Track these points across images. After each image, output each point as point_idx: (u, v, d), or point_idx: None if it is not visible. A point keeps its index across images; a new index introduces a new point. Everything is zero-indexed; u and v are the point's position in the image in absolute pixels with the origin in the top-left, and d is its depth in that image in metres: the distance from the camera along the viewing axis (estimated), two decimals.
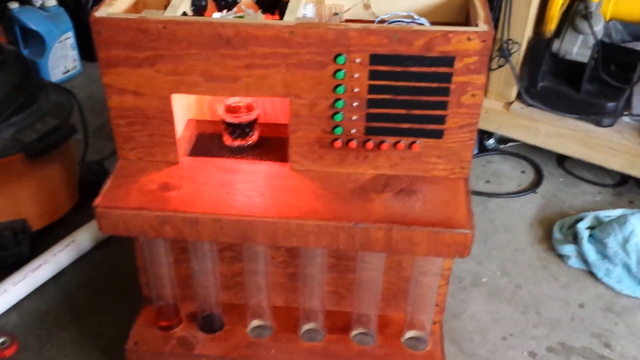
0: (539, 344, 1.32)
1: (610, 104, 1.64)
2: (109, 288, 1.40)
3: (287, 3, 1.02)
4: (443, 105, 0.95)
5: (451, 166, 1.01)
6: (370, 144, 0.99)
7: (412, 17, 0.98)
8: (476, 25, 0.91)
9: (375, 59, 0.92)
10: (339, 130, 0.98)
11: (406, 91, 0.94)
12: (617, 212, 1.61)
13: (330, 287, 1.17)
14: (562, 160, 1.82)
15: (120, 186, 1.00)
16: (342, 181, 1.01)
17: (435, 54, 0.90)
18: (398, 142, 0.99)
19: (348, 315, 1.17)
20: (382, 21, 0.99)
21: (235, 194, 0.99)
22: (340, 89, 0.94)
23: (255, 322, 1.18)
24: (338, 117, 0.97)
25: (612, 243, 1.46)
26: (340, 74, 0.93)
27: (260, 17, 1.01)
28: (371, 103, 0.96)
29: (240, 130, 1.07)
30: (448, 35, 0.89)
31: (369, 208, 0.96)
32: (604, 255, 1.47)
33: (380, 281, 1.09)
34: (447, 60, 0.91)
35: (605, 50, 1.62)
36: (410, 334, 1.17)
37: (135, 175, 1.02)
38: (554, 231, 1.58)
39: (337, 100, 0.96)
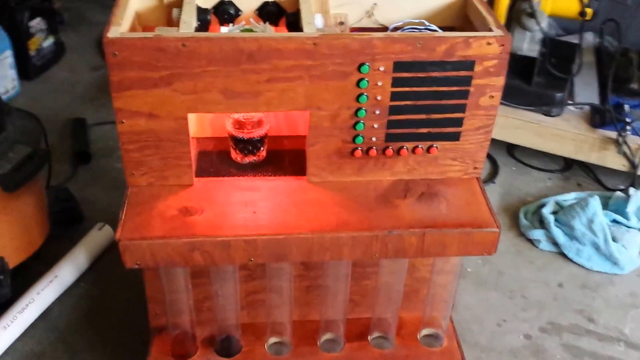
0: (531, 325, 1.39)
1: (558, 95, 1.74)
2: (100, 321, 1.33)
3: (292, 14, 1.01)
4: (462, 108, 0.97)
5: (465, 167, 1.04)
6: (390, 151, 1.00)
7: (423, 23, 0.99)
8: (489, 30, 0.94)
9: (398, 66, 0.92)
10: (359, 140, 0.98)
11: (427, 96, 0.96)
12: (572, 195, 1.72)
13: (336, 295, 1.17)
14: (511, 150, 1.91)
15: (138, 215, 0.95)
16: (363, 190, 1.02)
17: (456, 59, 0.93)
18: (416, 147, 1.00)
19: (363, 321, 1.18)
20: (396, 28, 1.00)
21: (261, 213, 0.97)
22: (363, 98, 0.94)
23: (273, 339, 1.16)
24: (360, 127, 0.97)
25: (578, 225, 1.55)
26: (364, 83, 0.93)
27: (270, 30, 0.99)
28: (392, 110, 0.96)
29: (251, 146, 1.05)
30: (469, 40, 0.91)
31: (397, 215, 0.97)
32: (572, 236, 1.56)
33: (400, 284, 1.10)
34: (468, 65, 0.93)
35: (550, 44, 1.72)
36: (425, 331, 1.19)
37: (151, 202, 0.97)
38: (520, 218, 1.66)
39: (359, 109, 0.96)
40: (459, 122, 0.99)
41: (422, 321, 1.19)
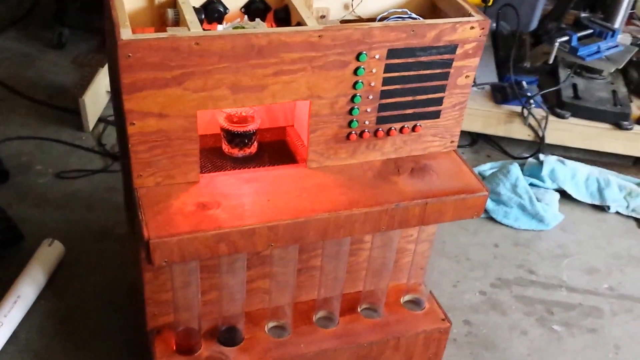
0: (482, 283, 1.54)
1: None
2: (75, 334, 1.30)
3: (281, 10, 1.06)
4: (442, 89, 1.08)
5: (444, 142, 1.14)
6: (380, 133, 1.08)
7: (407, 12, 1.08)
8: (469, 15, 1.05)
9: (391, 53, 1.00)
10: (354, 124, 1.06)
11: (413, 79, 1.05)
12: (487, 165, 1.91)
13: (329, 274, 1.24)
14: None
15: (158, 214, 0.96)
16: (359, 171, 1.09)
17: (442, 44, 1.02)
18: (403, 127, 1.09)
19: (349, 296, 1.25)
20: (383, 18, 1.08)
21: (275, 200, 1.01)
22: (359, 85, 1.02)
23: (272, 324, 1.20)
24: (355, 112, 1.04)
25: (504, 190, 1.73)
26: (361, 71, 1.00)
27: (263, 25, 1.03)
28: (383, 94, 1.05)
29: (247, 139, 1.08)
30: (455, 26, 1.01)
31: (398, 190, 1.06)
32: (498, 202, 1.74)
33: (392, 256, 1.19)
34: (451, 48, 1.03)
35: None
36: (407, 297, 1.29)
37: (165, 201, 0.98)
38: None
39: (354, 96, 1.03)
40: (439, 102, 1.09)
41: (405, 288, 1.29)
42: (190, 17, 0.96)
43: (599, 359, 1.38)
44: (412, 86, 1.05)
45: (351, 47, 0.98)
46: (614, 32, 1.94)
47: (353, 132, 1.07)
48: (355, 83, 1.01)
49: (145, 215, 0.95)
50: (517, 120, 1.90)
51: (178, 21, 0.99)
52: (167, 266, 1.05)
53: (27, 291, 1.30)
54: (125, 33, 0.89)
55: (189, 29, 0.92)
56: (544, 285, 1.54)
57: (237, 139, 1.08)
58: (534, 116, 1.87)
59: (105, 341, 1.31)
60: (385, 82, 1.03)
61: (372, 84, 1.03)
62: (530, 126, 1.90)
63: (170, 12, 0.99)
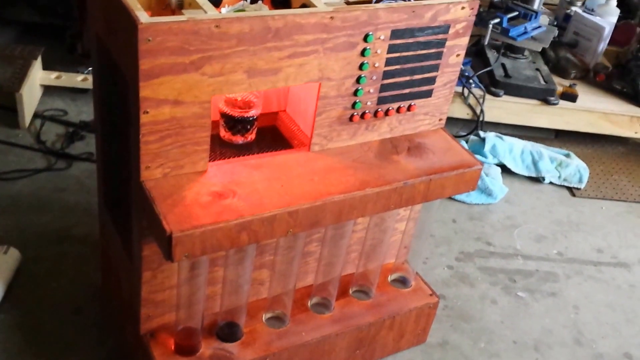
0: (448, 257, 1.59)
1: None
2: (44, 348, 1.22)
3: None
4: (436, 68, 1.10)
5: (433, 120, 1.17)
6: (380, 113, 1.09)
7: None
8: None
9: (394, 33, 1.02)
10: (358, 105, 1.06)
11: (412, 59, 1.07)
12: None
13: (327, 260, 1.23)
14: None
15: (174, 206, 0.91)
16: (360, 152, 1.09)
17: (437, 24, 1.05)
18: (400, 106, 1.11)
19: (341, 279, 1.26)
20: (378, 1, 1.09)
21: (288, 186, 0.99)
22: (366, 66, 1.02)
23: (269, 315, 1.18)
24: (360, 93, 1.05)
25: None
26: (368, 52, 1.01)
27: (265, 8, 1.00)
28: (385, 75, 1.06)
29: (248, 125, 1.05)
30: (449, 6, 1.04)
31: (401, 168, 1.08)
32: None
33: (383, 237, 1.21)
34: (445, 28, 1.06)
35: None
36: (393, 277, 1.32)
37: (177, 193, 0.94)
38: None
39: (360, 77, 1.03)
40: (433, 80, 1.12)
41: (391, 268, 1.31)
42: (203, 0, 0.92)
43: (562, 319, 1.48)
44: (410, 66, 1.07)
45: (359, 29, 0.98)
46: (536, 14, 2.06)
47: (355, 113, 1.07)
48: (362, 64, 1.02)
49: (161, 208, 0.91)
50: (458, 100, 1.98)
51: (182, 5, 0.95)
52: (181, 261, 1.00)
53: None
54: (143, 16, 0.83)
55: (205, 12, 0.89)
56: (502, 255, 1.62)
57: (239, 125, 1.05)
58: (474, 95, 1.96)
59: (79, 352, 1.22)
60: (388, 62, 1.05)
61: (376, 65, 1.04)
62: (470, 105, 1.98)
63: None
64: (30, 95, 1.80)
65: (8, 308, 1.29)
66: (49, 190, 1.57)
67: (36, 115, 1.83)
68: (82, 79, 1.89)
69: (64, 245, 1.44)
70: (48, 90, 1.93)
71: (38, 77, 1.85)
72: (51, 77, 1.89)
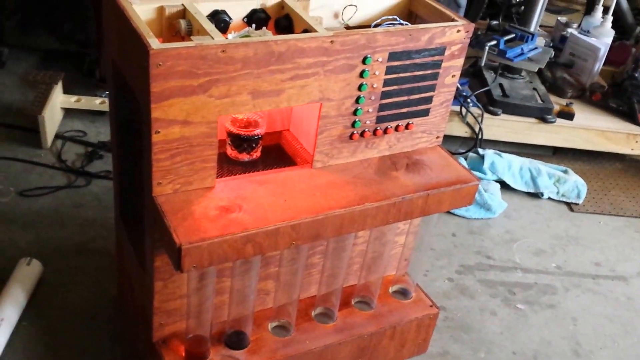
0: (449, 270, 1.64)
1: None
2: (62, 354, 1.27)
3: (283, 18, 1.10)
4: (433, 88, 1.16)
5: (431, 138, 1.23)
6: (379, 131, 1.15)
7: (396, 19, 1.15)
8: (452, 20, 1.14)
9: (392, 56, 1.08)
10: (358, 124, 1.11)
11: (409, 80, 1.12)
12: None
13: (329, 271, 1.28)
14: None
15: (183, 220, 0.97)
16: (360, 169, 1.15)
17: (433, 46, 1.11)
18: (398, 125, 1.17)
19: (343, 290, 1.31)
20: (376, 25, 1.15)
21: (291, 200, 1.05)
22: (364, 87, 1.08)
23: (274, 324, 1.23)
24: (359, 112, 1.10)
25: None
26: (366, 73, 1.06)
27: (269, 34, 1.06)
28: (384, 95, 1.11)
29: (254, 143, 1.11)
30: (445, 29, 1.10)
31: (400, 184, 1.13)
32: None
33: (384, 250, 1.26)
34: (441, 50, 1.12)
35: None
36: (394, 288, 1.36)
37: (187, 207, 0.99)
38: None
39: (359, 97, 1.09)
40: (430, 100, 1.17)
41: (392, 279, 1.36)
42: (210, 27, 0.98)
43: (561, 331, 1.52)
44: (407, 86, 1.13)
45: (358, 52, 1.04)
46: (533, 36, 2.12)
47: (355, 131, 1.12)
48: (361, 85, 1.07)
49: (172, 222, 0.96)
50: (456, 119, 2.04)
51: (191, 31, 1.01)
52: (191, 272, 1.05)
53: (9, 313, 1.25)
54: (155, 43, 0.90)
55: (212, 38, 0.95)
56: (502, 269, 1.67)
57: (244, 143, 1.10)
58: (472, 114, 2.01)
59: (95, 358, 1.28)
60: (386, 83, 1.10)
61: (375, 86, 1.09)
62: (468, 124, 2.04)
63: (183, 23, 1.01)
64: (52, 118, 1.89)
65: (30, 316, 1.35)
66: (69, 206, 1.65)
67: (57, 136, 1.92)
68: (100, 102, 1.99)
69: (82, 257, 1.51)
70: (68, 112, 2.03)
71: (59, 100, 1.96)
72: (71, 101, 1.99)
